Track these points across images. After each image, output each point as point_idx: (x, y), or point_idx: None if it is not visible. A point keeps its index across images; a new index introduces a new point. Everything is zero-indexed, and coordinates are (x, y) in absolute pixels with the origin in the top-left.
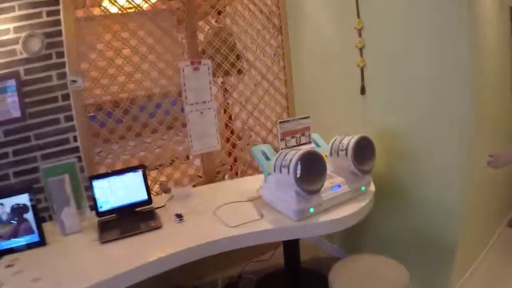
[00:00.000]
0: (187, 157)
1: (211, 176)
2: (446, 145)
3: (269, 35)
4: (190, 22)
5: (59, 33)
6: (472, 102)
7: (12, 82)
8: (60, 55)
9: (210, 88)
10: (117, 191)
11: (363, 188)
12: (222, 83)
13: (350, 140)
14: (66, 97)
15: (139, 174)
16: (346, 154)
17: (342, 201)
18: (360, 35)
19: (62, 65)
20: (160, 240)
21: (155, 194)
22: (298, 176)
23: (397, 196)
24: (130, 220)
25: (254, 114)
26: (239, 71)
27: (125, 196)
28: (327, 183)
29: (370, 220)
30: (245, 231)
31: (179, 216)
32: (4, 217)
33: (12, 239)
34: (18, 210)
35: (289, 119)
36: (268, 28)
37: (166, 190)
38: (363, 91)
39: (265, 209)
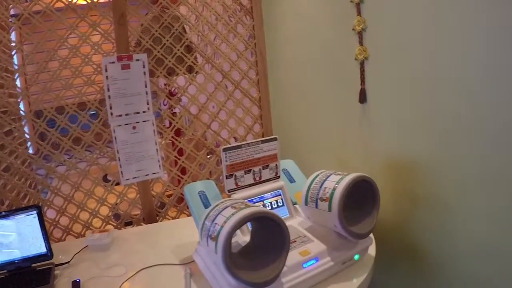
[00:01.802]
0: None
1: (150, 212)
2: (500, 186)
3: (235, 19)
4: (117, 1)
5: None
6: None
7: None
8: None
9: (147, 93)
10: (6, 238)
11: (356, 257)
12: (165, 85)
13: (337, 185)
14: None
15: (33, 218)
16: (330, 209)
17: (320, 281)
18: (359, 12)
19: None
20: None
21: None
22: (240, 247)
23: (412, 260)
24: (20, 282)
25: (212, 127)
26: (190, 69)
27: (18, 246)
28: (296, 255)
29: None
30: None
31: (75, 285)
32: None
33: None
34: None
35: (240, 144)
36: (234, 9)
37: (117, 218)
38: (363, 97)
39: (199, 284)
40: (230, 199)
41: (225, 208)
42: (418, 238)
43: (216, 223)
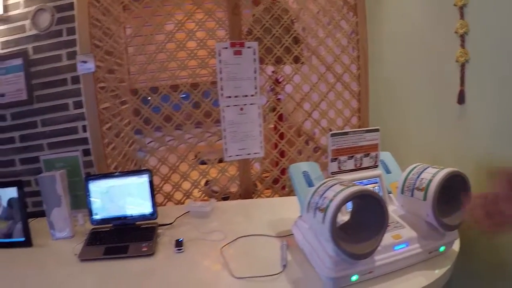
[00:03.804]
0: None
1: (247, 189)
2: None
3: (340, 14)
4: None
5: (71, 6)
6: None
7: (19, 61)
8: (72, 31)
9: (255, 78)
10: (117, 197)
11: (442, 248)
12: (272, 72)
13: (434, 176)
14: (76, 80)
15: (144, 180)
16: (425, 198)
17: (406, 265)
18: (462, 15)
19: (73, 43)
20: (143, 275)
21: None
22: (339, 224)
23: (493, 262)
24: (124, 236)
25: (313, 116)
26: (296, 59)
27: (126, 205)
28: (388, 237)
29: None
30: None
31: (179, 244)
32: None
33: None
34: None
35: (347, 131)
36: (339, 5)
37: (210, 194)
38: (461, 98)
39: (295, 256)
40: (336, 179)
41: (334, 185)
42: (502, 239)
43: (325, 197)
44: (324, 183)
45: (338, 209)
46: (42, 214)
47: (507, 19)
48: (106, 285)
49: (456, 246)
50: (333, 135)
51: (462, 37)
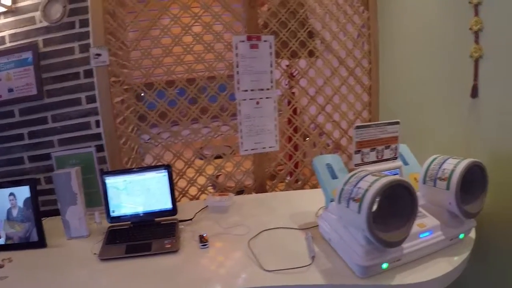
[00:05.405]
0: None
1: (262, 183)
2: None
3: (352, 9)
4: None
5: None
6: None
7: (28, 54)
8: (85, 23)
9: (271, 72)
10: (135, 193)
11: (461, 235)
12: (287, 66)
13: (456, 167)
14: (89, 73)
15: (163, 176)
16: (448, 187)
17: (430, 252)
18: (476, 13)
19: (86, 35)
20: (169, 272)
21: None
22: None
23: (506, 250)
24: (145, 233)
25: (326, 109)
26: (311, 53)
27: (145, 201)
28: (414, 226)
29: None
30: (286, 282)
31: (203, 239)
32: (15, 213)
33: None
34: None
35: (370, 124)
36: (352, 0)
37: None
38: (475, 92)
39: (320, 247)
40: (366, 170)
41: (366, 176)
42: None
43: (359, 187)
44: (355, 174)
45: (374, 198)
46: (52, 213)
47: None
48: (132, 283)
49: (472, 233)
50: (357, 127)
51: (477, 34)
